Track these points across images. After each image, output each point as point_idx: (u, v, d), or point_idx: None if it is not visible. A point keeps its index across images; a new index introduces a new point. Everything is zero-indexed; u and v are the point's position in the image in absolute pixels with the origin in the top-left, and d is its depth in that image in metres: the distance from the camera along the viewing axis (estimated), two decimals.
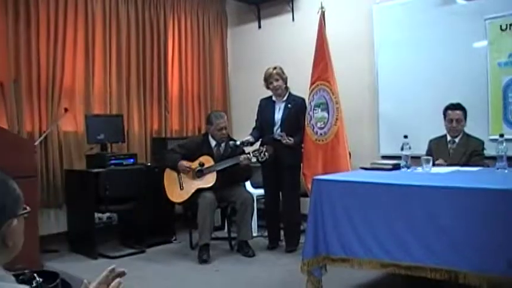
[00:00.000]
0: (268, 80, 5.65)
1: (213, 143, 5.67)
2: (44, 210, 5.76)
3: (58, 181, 5.87)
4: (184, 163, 5.48)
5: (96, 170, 5.50)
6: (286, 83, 5.66)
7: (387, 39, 6.10)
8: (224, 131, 5.63)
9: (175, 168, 5.52)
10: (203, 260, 5.19)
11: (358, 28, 6.39)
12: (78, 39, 6.13)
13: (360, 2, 6.37)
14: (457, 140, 4.91)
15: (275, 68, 5.63)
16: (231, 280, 4.70)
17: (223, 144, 5.69)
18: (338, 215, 3.63)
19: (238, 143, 5.59)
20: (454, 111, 4.89)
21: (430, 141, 5.11)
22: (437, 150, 4.93)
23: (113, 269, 1.82)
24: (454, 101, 4.95)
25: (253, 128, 5.84)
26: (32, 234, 4.51)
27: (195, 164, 5.50)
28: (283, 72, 5.63)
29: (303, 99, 5.67)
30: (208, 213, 5.27)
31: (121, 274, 1.83)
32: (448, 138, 4.97)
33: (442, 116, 4.99)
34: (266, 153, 5.36)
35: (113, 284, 1.70)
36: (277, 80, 5.60)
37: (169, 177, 5.56)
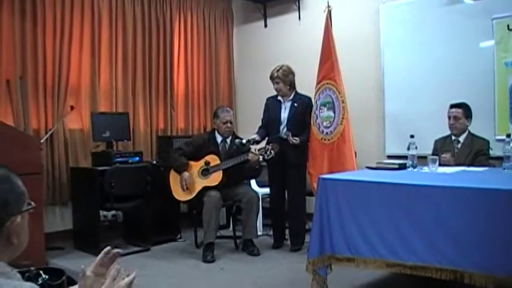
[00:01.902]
0: (271, 80, 5.66)
1: (219, 139, 5.69)
2: (49, 207, 5.79)
3: (64, 178, 5.89)
4: (186, 178, 5.48)
5: (101, 168, 5.50)
6: (290, 85, 5.63)
7: (393, 39, 6.08)
8: (229, 125, 5.66)
9: (179, 174, 5.53)
10: (208, 259, 5.18)
11: (364, 27, 6.38)
12: (84, 37, 6.14)
13: (367, 1, 6.35)
14: (461, 139, 4.90)
15: (278, 70, 5.60)
16: (235, 279, 4.69)
17: (228, 140, 5.70)
18: (343, 214, 3.63)
19: (244, 141, 5.58)
20: (453, 109, 4.90)
21: (436, 141, 5.10)
22: (443, 150, 4.91)
23: (108, 251, 1.83)
24: (460, 101, 4.94)
25: (259, 127, 5.83)
26: (37, 231, 4.52)
27: (200, 163, 5.51)
28: (286, 75, 5.59)
29: (310, 98, 5.66)
30: (213, 212, 5.28)
31: (116, 255, 1.84)
32: (453, 137, 4.95)
33: None
34: (272, 151, 5.35)
35: (112, 272, 1.70)
36: (277, 83, 5.60)
37: (175, 176, 5.56)
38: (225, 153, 5.61)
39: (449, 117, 4.92)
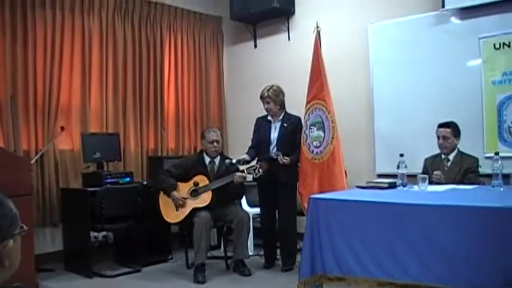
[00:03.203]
0: (261, 100, 5.67)
1: (207, 160, 5.69)
2: (39, 228, 5.75)
3: (54, 200, 5.86)
4: (177, 196, 5.47)
5: (92, 189, 5.48)
6: (280, 105, 5.65)
7: (382, 58, 6.14)
8: (216, 144, 5.65)
9: (168, 195, 5.51)
10: (199, 280, 5.14)
11: (353, 47, 6.44)
12: (74, 58, 6.15)
13: (355, 21, 6.42)
14: (451, 158, 4.94)
15: (269, 90, 5.61)
16: None
17: (217, 162, 5.69)
18: (334, 233, 3.63)
19: (234, 161, 5.59)
20: (441, 129, 4.95)
21: (426, 159, 5.13)
22: (433, 168, 4.94)
23: None
24: (449, 119, 4.99)
25: (249, 147, 5.82)
26: (28, 252, 4.47)
27: (189, 185, 5.50)
28: (277, 94, 5.60)
29: (299, 119, 5.68)
30: (204, 233, 5.25)
31: None
32: (443, 156, 4.99)
33: None
34: (260, 170, 5.35)
35: None
36: (268, 103, 5.61)
37: (165, 198, 5.53)
38: (213, 175, 5.60)
39: (438, 137, 4.96)
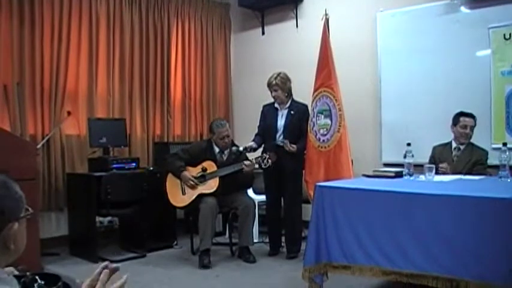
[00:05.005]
0: (268, 88, 5.65)
1: (216, 149, 5.65)
2: (45, 213, 5.77)
3: (60, 184, 5.88)
4: (188, 175, 5.46)
5: (98, 174, 5.49)
6: (288, 92, 5.64)
7: (390, 47, 6.11)
8: (227, 139, 5.60)
9: (177, 176, 5.51)
10: (204, 265, 5.17)
11: (361, 35, 6.40)
12: (82, 43, 6.15)
13: (364, 10, 6.38)
14: (462, 147, 4.92)
15: (276, 78, 5.59)
16: (231, 286, 4.68)
17: (226, 152, 5.66)
18: (340, 221, 3.63)
19: (241, 148, 5.58)
20: (470, 119, 4.91)
21: (434, 147, 5.11)
22: (441, 157, 4.94)
23: (106, 266, 1.81)
24: (457, 110, 4.99)
25: (256, 134, 5.82)
26: (33, 237, 4.48)
27: (197, 169, 5.50)
28: (284, 82, 5.59)
29: (306, 106, 5.67)
30: (209, 219, 5.26)
31: (113, 270, 1.82)
32: (454, 145, 4.97)
33: (451, 122, 5.00)
34: (269, 160, 5.35)
35: (101, 276, 1.67)
36: (275, 91, 5.59)
37: (172, 182, 5.55)
38: (222, 163, 5.58)
39: (465, 126, 4.90)
